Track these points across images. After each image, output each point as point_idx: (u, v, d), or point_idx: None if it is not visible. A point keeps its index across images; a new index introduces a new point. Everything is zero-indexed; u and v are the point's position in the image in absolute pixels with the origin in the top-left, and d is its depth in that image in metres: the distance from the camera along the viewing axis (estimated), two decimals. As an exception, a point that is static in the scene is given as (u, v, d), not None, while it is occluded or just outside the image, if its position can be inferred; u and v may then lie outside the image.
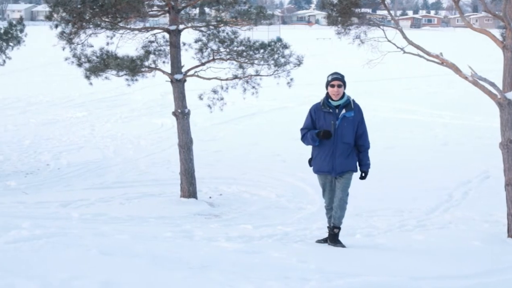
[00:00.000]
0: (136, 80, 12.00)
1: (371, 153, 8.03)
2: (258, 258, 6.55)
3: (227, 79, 12.12)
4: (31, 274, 4.79)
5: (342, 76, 7.73)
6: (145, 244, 6.88)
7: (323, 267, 6.19)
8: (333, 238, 7.99)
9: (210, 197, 12.56)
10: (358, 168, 7.96)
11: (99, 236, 7.22)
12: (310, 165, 8.07)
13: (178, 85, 11.96)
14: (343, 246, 7.91)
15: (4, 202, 11.11)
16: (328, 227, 8.18)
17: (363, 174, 7.97)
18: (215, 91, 12.25)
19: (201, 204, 11.74)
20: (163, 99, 25.59)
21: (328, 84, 7.72)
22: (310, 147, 8.04)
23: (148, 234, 7.93)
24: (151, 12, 12.04)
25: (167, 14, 11.91)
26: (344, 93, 7.72)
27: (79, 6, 10.98)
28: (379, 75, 30.51)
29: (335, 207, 7.88)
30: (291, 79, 11.97)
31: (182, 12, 12.11)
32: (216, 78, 12.09)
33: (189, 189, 12.03)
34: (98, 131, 19.86)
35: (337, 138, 7.67)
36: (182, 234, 8.20)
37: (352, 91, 7.81)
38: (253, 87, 12.20)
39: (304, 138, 7.90)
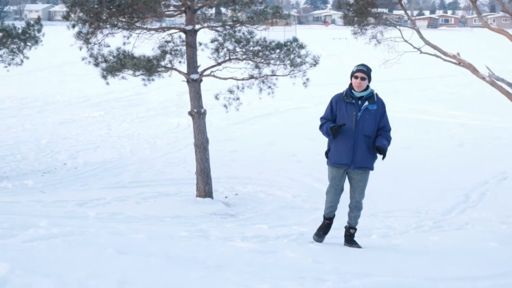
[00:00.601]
0: (153, 79, 12.04)
1: (388, 152, 7.88)
2: (274, 258, 6.54)
3: (243, 79, 12.13)
4: (47, 272, 4.81)
5: (368, 69, 7.51)
6: (161, 243, 6.89)
7: (339, 268, 6.16)
8: (349, 239, 7.94)
9: (225, 197, 12.58)
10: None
11: (115, 235, 7.24)
12: (327, 157, 7.80)
13: (194, 85, 11.99)
14: (359, 246, 7.87)
15: (21, 201, 11.19)
16: (324, 215, 7.99)
17: (379, 152, 7.41)
18: (231, 91, 12.27)
19: (217, 203, 11.76)
20: (179, 99, 25.65)
21: (352, 75, 7.58)
22: (326, 144, 7.92)
23: (164, 233, 7.94)
24: (167, 12, 12.08)
25: (184, 14, 11.95)
26: (368, 86, 7.59)
27: (96, 6, 11.04)
28: (396, 75, 30.37)
29: (352, 208, 7.81)
30: (307, 79, 11.96)
31: (199, 12, 12.14)
32: (232, 78, 12.10)
33: (205, 188, 12.05)
34: (115, 130, 19.96)
35: (359, 130, 7.47)
36: (197, 233, 8.20)
37: (368, 91, 7.71)
38: (269, 87, 12.20)
39: (321, 128, 7.77)
